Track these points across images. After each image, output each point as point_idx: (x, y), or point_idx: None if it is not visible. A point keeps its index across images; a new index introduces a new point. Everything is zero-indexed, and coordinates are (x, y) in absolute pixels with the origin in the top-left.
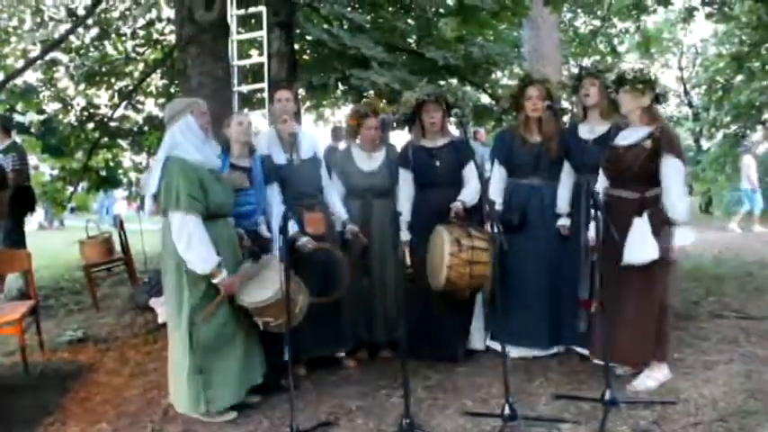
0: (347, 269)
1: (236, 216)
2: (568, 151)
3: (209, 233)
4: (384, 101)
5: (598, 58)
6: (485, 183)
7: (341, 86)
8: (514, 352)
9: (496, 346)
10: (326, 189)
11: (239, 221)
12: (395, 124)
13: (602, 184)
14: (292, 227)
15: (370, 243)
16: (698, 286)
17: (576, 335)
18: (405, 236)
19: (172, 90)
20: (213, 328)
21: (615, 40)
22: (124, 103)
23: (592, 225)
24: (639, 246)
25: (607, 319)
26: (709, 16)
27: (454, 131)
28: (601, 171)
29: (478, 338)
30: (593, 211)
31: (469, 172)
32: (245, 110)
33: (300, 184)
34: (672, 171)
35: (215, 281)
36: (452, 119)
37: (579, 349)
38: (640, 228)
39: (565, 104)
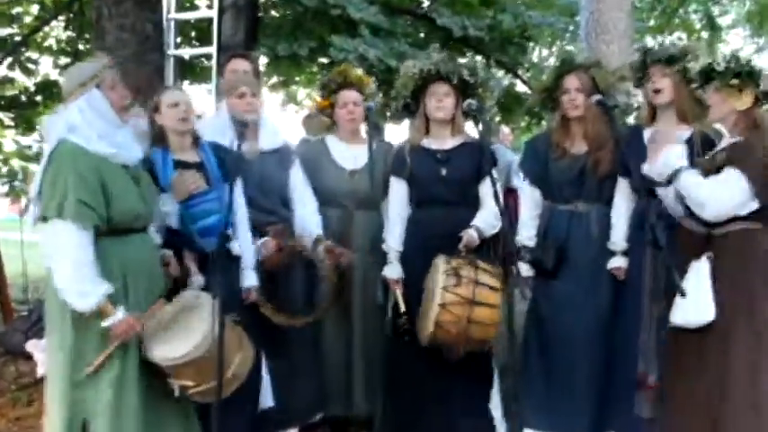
0: (329, 282)
1: (200, 234)
2: (627, 166)
3: (115, 255)
4: (355, 70)
5: (681, 35)
6: (509, 204)
7: (318, 59)
8: None
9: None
10: (297, 202)
11: (206, 240)
12: (388, 114)
13: (677, 212)
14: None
15: (349, 274)
16: None
17: (631, 422)
18: (393, 272)
19: (80, 47)
20: (102, 391)
21: (715, 9)
22: (7, 61)
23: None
24: (691, 300)
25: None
26: None
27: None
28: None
29: (497, 417)
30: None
31: (487, 188)
32: (179, 83)
33: (253, 190)
34: (724, 180)
35: (104, 323)
36: (468, 111)
37: None
38: (696, 274)
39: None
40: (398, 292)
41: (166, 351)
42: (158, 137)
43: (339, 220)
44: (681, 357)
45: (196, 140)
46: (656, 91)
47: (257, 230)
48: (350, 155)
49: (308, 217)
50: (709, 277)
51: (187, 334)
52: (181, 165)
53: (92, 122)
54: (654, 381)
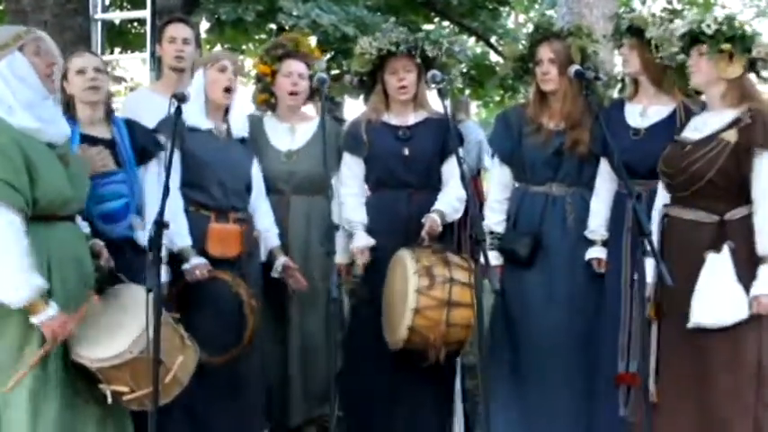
0: (253, 314)
1: (102, 219)
2: (606, 145)
3: (39, 243)
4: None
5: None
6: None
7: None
8: None
9: None
10: (257, 195)
11: (108, 226)
12: (349, 88)
13: (661, 199)
14: (180, 239)
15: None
16: None
17: (616, 425)
18: (361, 240)
19: None
20: (26, 401)
21: None
22: None
23: (649, 266)
24: (715, 298)
25: (667, 410)
26: None
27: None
28: (660, 179)
29: (458, 428)
30: (643, 240)
31: (452, 167)
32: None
33: (224, 175)
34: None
35: (35, 319)
36: (431, 84)
37: None
38: (717, 269)
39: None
40: (361, 262)
41: (97, 351)
42: (66, 107)
43: (275, 206)
44: (692, 359)
45: (109, 114)
46: (624, 61)
47: (220, 216)
48: (287, 134)
49: (266, 222)
50: (732, 269)
51: (121, 332)
52: (88, 140)
53: (15, 90)
54: (636, 379)
